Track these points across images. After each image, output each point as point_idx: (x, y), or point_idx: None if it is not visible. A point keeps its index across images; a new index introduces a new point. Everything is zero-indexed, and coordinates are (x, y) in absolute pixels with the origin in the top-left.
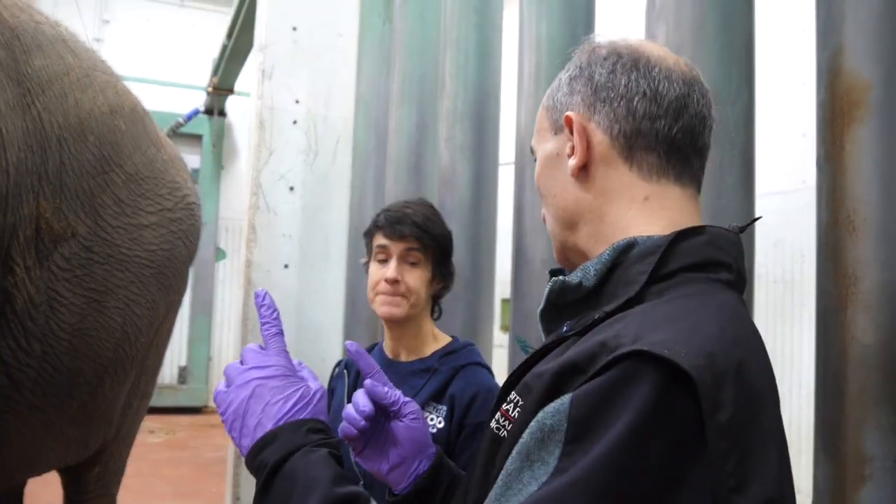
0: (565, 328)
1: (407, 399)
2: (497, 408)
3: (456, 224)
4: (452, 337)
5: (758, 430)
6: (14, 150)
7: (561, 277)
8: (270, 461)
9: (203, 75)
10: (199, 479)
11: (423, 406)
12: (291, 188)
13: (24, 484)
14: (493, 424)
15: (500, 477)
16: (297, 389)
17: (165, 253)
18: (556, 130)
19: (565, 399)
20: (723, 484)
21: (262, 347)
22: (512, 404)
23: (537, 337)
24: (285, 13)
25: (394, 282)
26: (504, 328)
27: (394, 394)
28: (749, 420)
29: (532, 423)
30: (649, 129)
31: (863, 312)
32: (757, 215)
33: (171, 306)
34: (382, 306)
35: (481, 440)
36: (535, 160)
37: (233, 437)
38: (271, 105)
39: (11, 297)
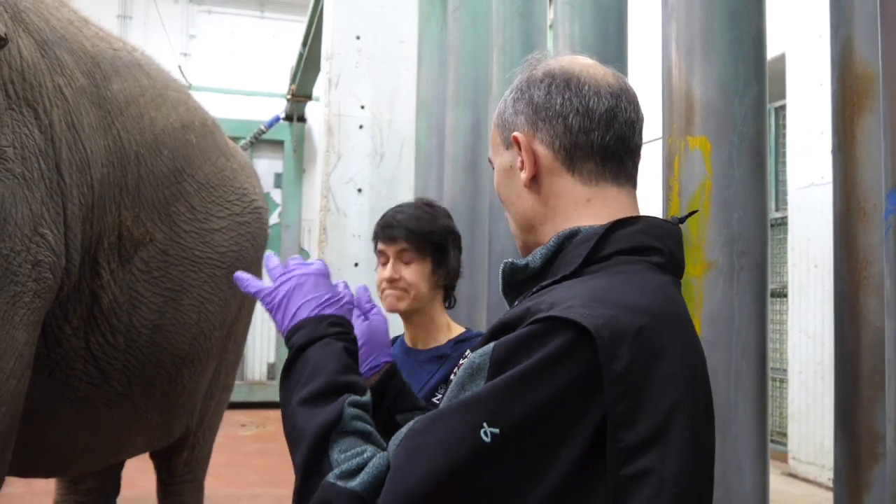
0: (517, 303)
1: (373, 304)
2: None
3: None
4: (466, 328)
5: (651, 380)
6: (98, 166)
7: (511, 260)
8: (296, 344)
9: (283, 83)
10: (286, 468)
11: (436, 388)
12: (359, 190)
13: (120, 467)
14: (451, 376)
15: (442, 403)
16: (329, 290)
17: (235, 254)
18: (507, 146)
19: (490, 345)
20: (613, 421)
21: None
22: (466, 359)
23: None
24: (349, 23)
25: (391, 280)
26: None
27: (368, 299)
28: (643, 372)
29: (465, 362)
30: (585, 142)
31: (874, 296)
32: (813, 205)
33: (244, 303)
34: (386, 300)
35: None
36: (493, 169)
37: (275, 321)
38: (338, 112)
39: (98, 297)
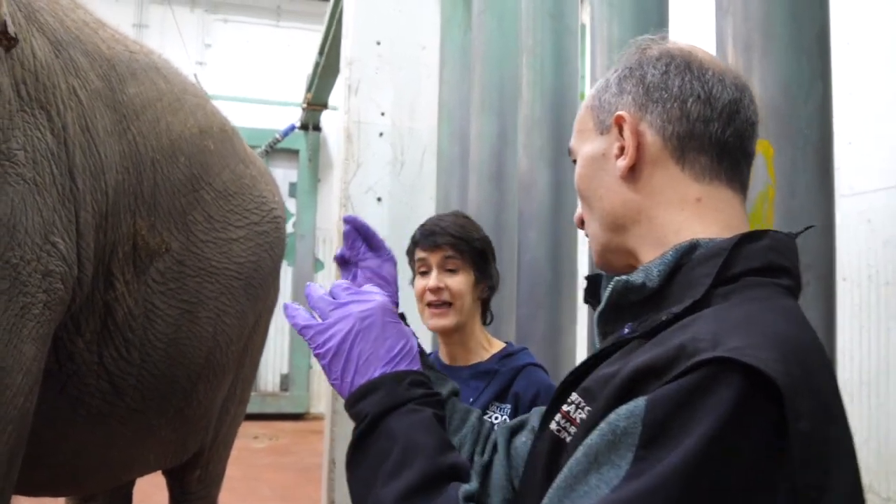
0: (626, 330)
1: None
2: (555, 409)
3: (536, 230)
4: (506, 342)
5: (833, 439)
6: (112, 172)
7: (624, 277)
8: (370, 413)
9: (298, 92)
10: (300, 483)
11: (487, 406)
12: (379, 199)
13: (132, 485)
14: (552, 426)
15: (562, 477)
16: (402, 334)
17: (253, 265)
18: (603, 130)
19: (640, 402)
20: (805, 495)
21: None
22: (573, 406)
23: None
24: (369, 29)
25: (436, 289)
26: None
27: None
28: (825, 429)
29: (602, 425)
30: (703, 132)
31: None
32: (837, 216)
33: (261, 316)
34: (431, 319)
35: (539, 440)
36: (574, 161)
37: (330, 375)
38: (358, 119)
39: (113, 309)
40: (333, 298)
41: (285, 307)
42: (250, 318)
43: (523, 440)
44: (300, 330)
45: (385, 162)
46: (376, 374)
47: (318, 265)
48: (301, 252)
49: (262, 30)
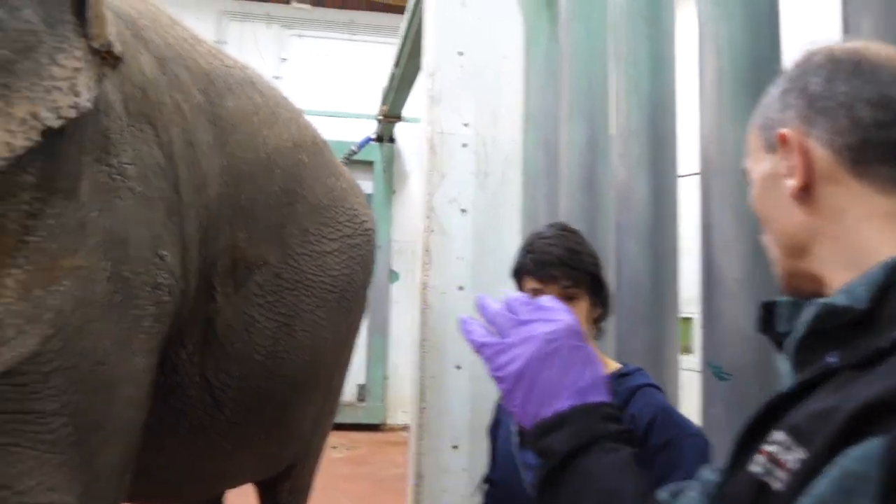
0: (832, 359)
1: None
2: (748, 448)
3: (635, 242)
4: (622, 363)
5: None
6: (214, 186)
7: (825, 300)
8: (561, 451)
9: (373, 104)
10: (377, 494)
11: None
12: (463, 210)
13: (222, 494)
14: (755, 469)
15: None
16: (589, 360)
17: (346, 277)
18: (770, 149)
19: (875, 443)
20: None
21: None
22: (779, 447)
23: (729, 362)
24: (452, 39)
25: None
26: (683, 349)
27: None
28: None
29: (833, 471)
30: (879, 139)
31: None
32: None
33: (352, 328)
34: None
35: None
36: (750, 184)
37: (510, 403)
38: (441, 129)
39: (213, 322)
40: (512, 314)
41: (462, 321)
42: (343, 332)
43: (693, 495)
44: (478, 348)
45: (469, 173)
46: (565, 407)
47: (392, 276)
48: (377, 263)
49: (336, 44)
